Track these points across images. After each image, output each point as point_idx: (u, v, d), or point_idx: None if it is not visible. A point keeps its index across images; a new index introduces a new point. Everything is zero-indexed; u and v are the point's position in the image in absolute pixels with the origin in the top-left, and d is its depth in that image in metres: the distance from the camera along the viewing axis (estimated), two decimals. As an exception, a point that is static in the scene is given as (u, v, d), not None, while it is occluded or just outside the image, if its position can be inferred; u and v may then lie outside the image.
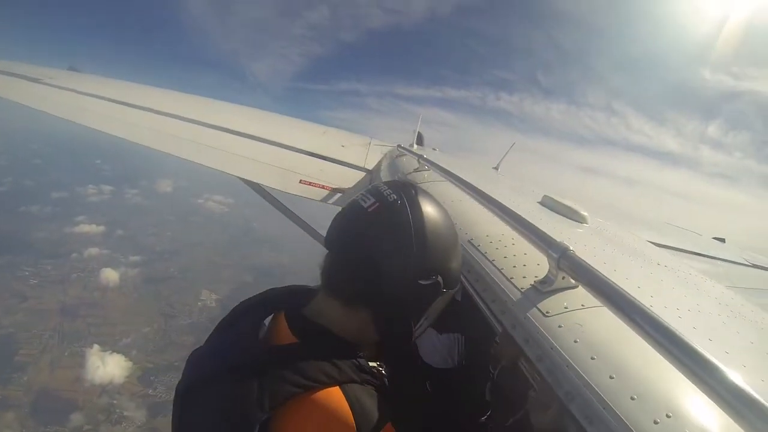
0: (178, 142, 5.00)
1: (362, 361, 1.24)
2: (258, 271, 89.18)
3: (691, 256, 4.77)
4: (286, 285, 1.60)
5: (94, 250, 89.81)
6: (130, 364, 56.49)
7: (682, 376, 0.95)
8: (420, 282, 1.28)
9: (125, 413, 48.97)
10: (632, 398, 1.06)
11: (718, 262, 4.95)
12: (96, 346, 58.05)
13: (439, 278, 1.31)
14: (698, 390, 0.92)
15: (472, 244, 1.98)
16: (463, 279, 1.84)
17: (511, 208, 1.89)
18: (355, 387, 1.18)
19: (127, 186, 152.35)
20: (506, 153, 5.61)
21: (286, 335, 1.28)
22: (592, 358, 1.20)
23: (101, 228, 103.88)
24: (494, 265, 1.80)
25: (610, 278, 1.25)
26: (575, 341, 1.28)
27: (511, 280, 1.67)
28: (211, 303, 74.24)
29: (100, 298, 72.25)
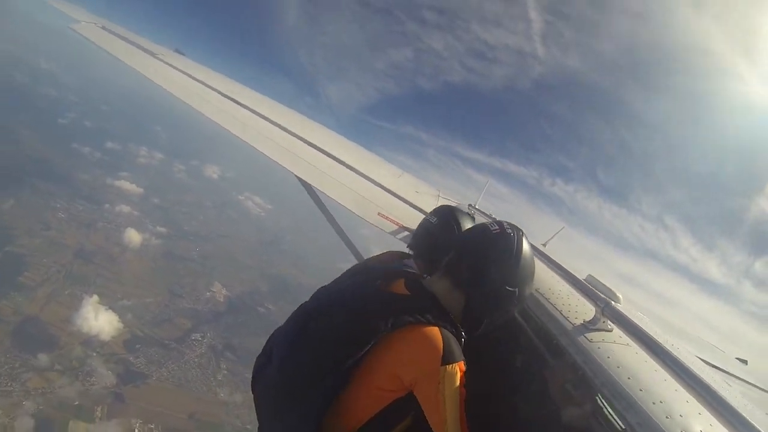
0: (264, 140, 5.63)
1: (452, 320, 2.01)
2: (275, 281, 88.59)
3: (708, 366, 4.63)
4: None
5: (126, 208, 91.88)
6: (121, 326, 56.67)
7: (686, 392, 1.69)
8: (506, 287, 2.08)
9: (98, 369, 48.65)
10: (653, 403, 1.72)
11: (735, 379, 4.74)
12: (95, 297, 58.82)
13: (517, 291, 2.10)
14: (700, 404, 1.61)
15: (539, 292, 2.76)
16: (532, 311, 2.69)
17: (570, 270, 2.79)
18: (447, 331, 1.93)
19: (177, 160, 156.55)
20: (555, 234, 6.03)
21: (401, 290, 2.13)
22: (629, 378, 1.88)
23: (140, 190, 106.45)
24: (557, 307, 2.60)
25: (637, 324, 1.99)
26: (618, 367, 1.95)
27: (567, 317, 2.47)
28: (219, 297, 73.97)
29: (117, 255, 73.38)
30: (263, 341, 2.35)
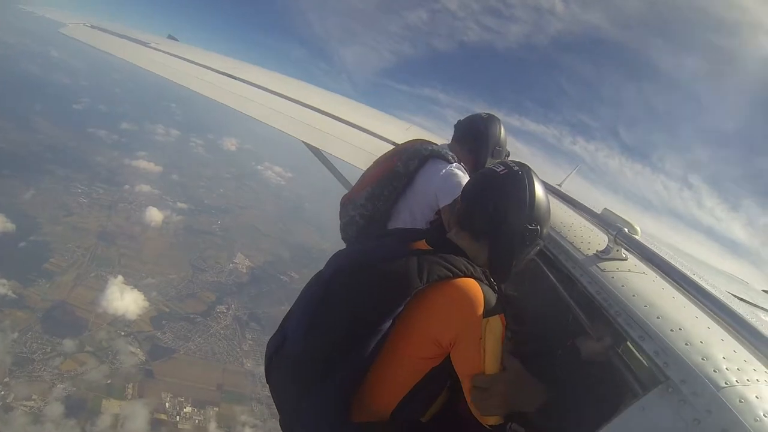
0: (268, 112, 5.73)
1: (483, 271, 1.95)
2: (297, 249, 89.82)
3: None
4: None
5: (146, 187, 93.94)
6: (147, 304, 58.41)
7: (708, 318, 1.66)
8: (527, 226, 1.96)
9: (127, 347, 50.53)
10: (671, 330, 1.63)
11: (761, 311, 4.41)
12: (120, 277, 60.62)
13: (539, 228, 1.99)
14: (722, 329, 1.58)
15: (552, 227, 2.60)
16: (546, 248, 2.53)
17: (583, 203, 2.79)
18: (483, 284, 1.86)
19: (194, 135, 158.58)
20: (571, 172, 5.98)
21: (425, 247, 2.02)
22: (645, 306, 1.81)
23: (159, 168, 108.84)
24: (568, 239, 2.57)
25: (652, 250, 1.95)
26: (633, 295, 1.90)
27: (579, 248, 2.43)
28: (242, 268, 75.48)
29: (139, 234, 75.31)
30: (287, 309, 2.21)
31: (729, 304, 1.52)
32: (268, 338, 2.14)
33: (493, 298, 1.83)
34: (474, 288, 1.80)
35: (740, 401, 1.27)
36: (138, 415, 43.90)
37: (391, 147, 5.48)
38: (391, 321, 1.77)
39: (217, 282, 69.32)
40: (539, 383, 1.81)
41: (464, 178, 2.82)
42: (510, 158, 3.42)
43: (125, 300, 56.68)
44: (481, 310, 1.76)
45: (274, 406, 2.04)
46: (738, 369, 1.41)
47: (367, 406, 1.88)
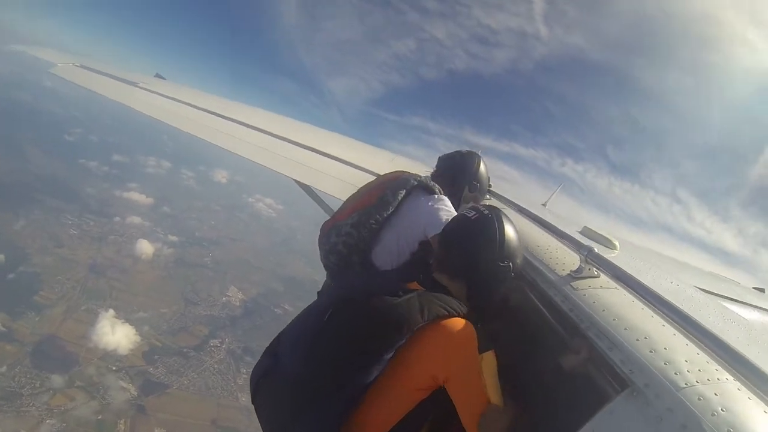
0: (257, 150, 5.93)
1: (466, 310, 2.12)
2: (289, 281, 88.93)
3: (720, 298, 4.44)
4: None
5: (136, 219, 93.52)
6: (138, 338, 57.48)
7: (673, 327, 1.78)
8: (500, 264, 2.24)
9: (118, 383, 49.44)
10: (637, 340, 1.80)
11: (751, 308, 4.71)
12: (111, 311, 59.74)
13: (510, 264, 2.27)
14: (686, 337, 1.72)
15: (529, 250, 2.81)
16: (524, 271, 2.67)
17: (560, 228, 2.84)
18: (470, 322, 2.03)
19: (185, 167, 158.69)
20: (554, 192, 6.22)
21: (417, 287, 2.15)
22: (613, 319, 1.97)
23: (149, 200, 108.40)
24: (544, 262, 2.69)
25: (620, 267, 2.11)
26: (603, 310, 2.05)
27: (554, 270, 2.55)
28: (235, 301, 74.78)
29: (130, 266, 74.42)
30: None
31: (689, 313, 1.71)
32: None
33: (482, 335, 2.02)
34: (468, 327, 2.00)
35: (699, 399, 1.44)
36: (130, 452, 42.69)
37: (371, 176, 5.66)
38: (393, 352, 1.95)
39: (209, 315, 68.44)
40: (529, 414, 2.09)
41: (451, 209, 2.91)
42: (493, 188, 4.14)
43: (116, 334, 55.75)
44: (476, 347, 1.96)
45: None
46: (699, 370, 1.59)
47: (358, 430, 1.96)
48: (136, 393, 49.01)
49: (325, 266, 3.12)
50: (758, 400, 1.43)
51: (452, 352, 1.95)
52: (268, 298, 78.89)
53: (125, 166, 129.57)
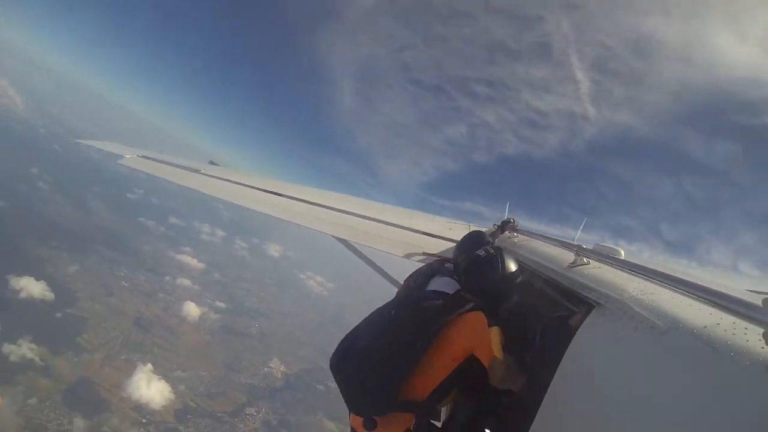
0: (312, 219, 6.64)
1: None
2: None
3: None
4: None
5: (186, 281, 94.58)
6: (173, 396, 56.74)
7: (652, 283, 2.30)
8: (504, 284, 3.29)
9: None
10: (616, 289, 2.36)
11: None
12: (150, 365, 59.16)
13: (510, 283, 3.32)
14: (661, 287, 2.23)
15: (536, 253, 3.88)
16: (537, 271, 3.64)
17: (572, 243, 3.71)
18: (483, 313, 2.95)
19: (239, 237, 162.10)
20: (579, 229, 6.37)
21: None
22: (597, 282, 2.58)
23: (201, 265, 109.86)
24: (549, 259, 3.52)
25: (601, 251, 3.21)
26: (591, 280, 2.67)
27: (555, 268, 3.24)
28: (277, 374, 73.33)
29: (175, 326, 74.36)
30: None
31: (670, 273, 2.25)
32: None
33: (490, 319, 2.91)
34: (480, 315, 2.91)
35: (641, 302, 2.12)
36: None
37: (422, 235, 6.63)
38: (435, 335, 2.82)
39: (249, 384, 67.17)
40: (521, 372, 2.89)
41: (455, 286, 3.47)
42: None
43: (152, 389, 55.22)
44: (486, 326, 2.85)
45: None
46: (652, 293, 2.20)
47: (411, 390, 2.76)
48: (164, 450, 47.00)
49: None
50: (682, 296, 2.07)
51: (473, 330, 2.88)
52: (311, 374, 76.07)
53: (181, 229, 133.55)
